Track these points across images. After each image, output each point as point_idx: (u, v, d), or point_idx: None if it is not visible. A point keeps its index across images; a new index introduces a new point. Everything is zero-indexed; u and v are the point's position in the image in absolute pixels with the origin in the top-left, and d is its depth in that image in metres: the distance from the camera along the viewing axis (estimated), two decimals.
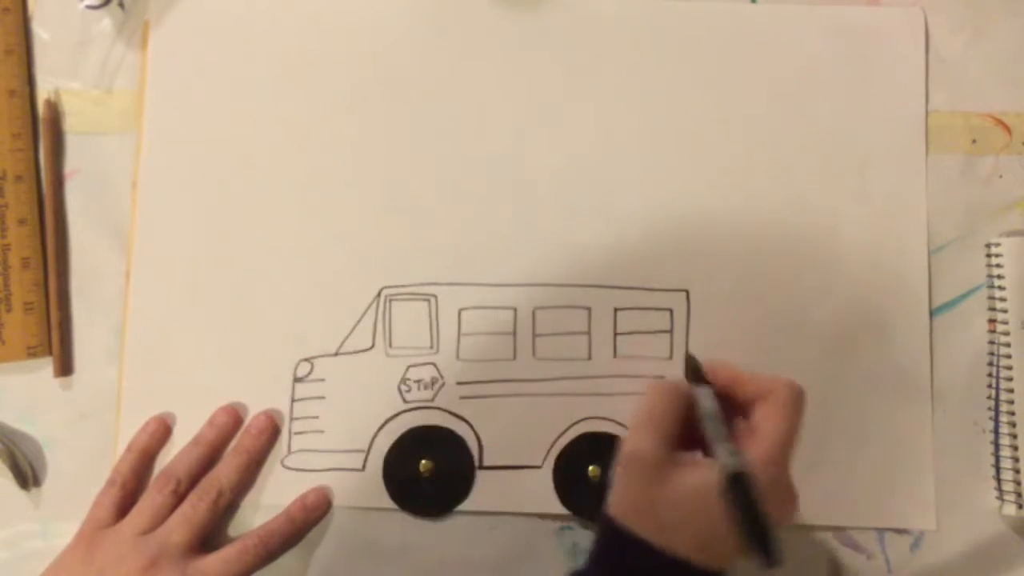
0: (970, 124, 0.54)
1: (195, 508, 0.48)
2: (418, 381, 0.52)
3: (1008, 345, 0.51)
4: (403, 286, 0.53)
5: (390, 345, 0.52)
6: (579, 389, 0.52)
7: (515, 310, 0.53)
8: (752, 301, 0.53)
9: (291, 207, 0.54)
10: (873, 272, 0.53)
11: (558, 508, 0.51)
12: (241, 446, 0.51)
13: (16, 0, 0.55)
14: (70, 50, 0.55)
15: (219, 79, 0.55)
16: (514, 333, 0.52)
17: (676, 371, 0.52)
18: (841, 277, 0.53)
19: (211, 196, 0.54)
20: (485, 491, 0.51)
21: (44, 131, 0.54)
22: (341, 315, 0.53)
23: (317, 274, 0.53)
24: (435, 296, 0.53)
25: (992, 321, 0.52)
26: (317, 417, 0.52)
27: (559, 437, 0.52)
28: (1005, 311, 0.51)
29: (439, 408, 0.52)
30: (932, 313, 0.53)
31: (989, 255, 0.53)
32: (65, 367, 0.53)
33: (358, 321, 0.53)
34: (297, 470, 0.52)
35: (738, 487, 0.37)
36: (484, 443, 0.52)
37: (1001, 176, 0.54)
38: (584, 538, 0.51)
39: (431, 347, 0.52)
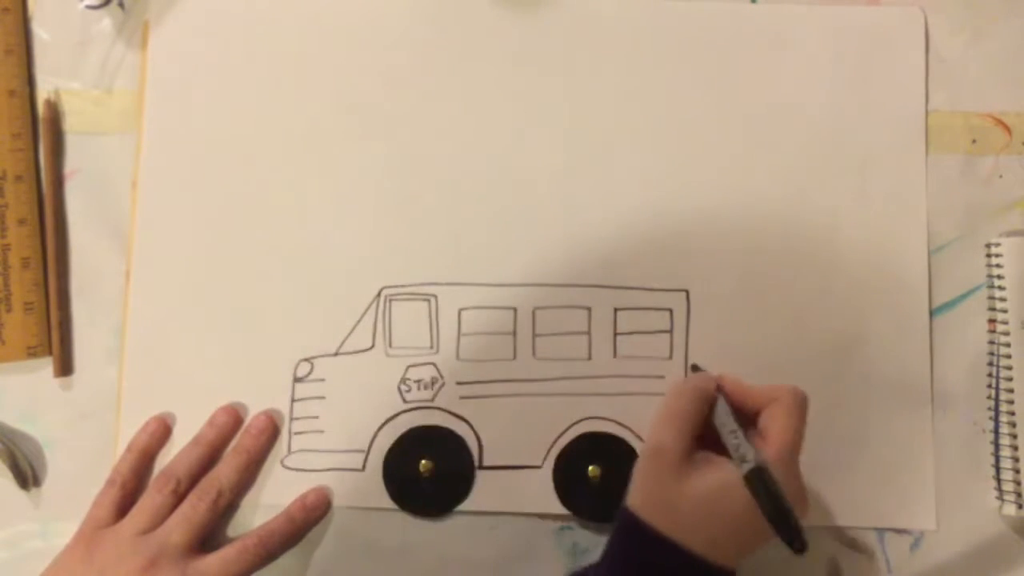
0: (970, 124, 0.54)
1: (195, 508, 0.48)
2: (418, 381, 0.52)
3: (1008, 345, 0.51)
4: (403, 286, 0.53)
5: (390, 345, 0.52)
6: (579, 389, 0.52)
7: (515, 310, 0.53)
8: (752, 301, 0.53)
9: (291, 207, 0.54)
10: (873, 272, 0.53)
11: (558, 508, 0.51)
12: (241, 446, 0.51)
13: (16, 0, 0.55)
14: (70, 50, 0.55)
15: (219, 79, 0.55)
16: (514, 333, 0.52)
17: (676, 371, 0.52)
18: (841, 277, 0.53)
19: (211, 196, 0.54)
20: (485, 491, 0.51)
21: (44, 131, 0.54)
22: (341, 315, 0.53)
23: (317, 274, 0.53)
24: (435, 296, 0.53)
25: (992, 321, 0.52)
26: (317, 417, 0.52)
27: (559, 437, 0.52)
28: (1005, 311, 0.51)
29: (439, 408, 0.52)
30: (932, 313, 0.53)
31: (989, 255, 0.53)
32: (65, 367, 0.53)
33: (358, 321, 0.53)
34: (297, 470, 0.52)
35: (761, 480, 0.40)
36: (484, 443, 0.52)
37: (1001, 176, 0.54)
38: (584, 538, 0.51)
39: (431, 347, 0.52)
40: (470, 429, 0.52)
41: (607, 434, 0.51)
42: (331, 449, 0.52)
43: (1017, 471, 0.50)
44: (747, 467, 0.40)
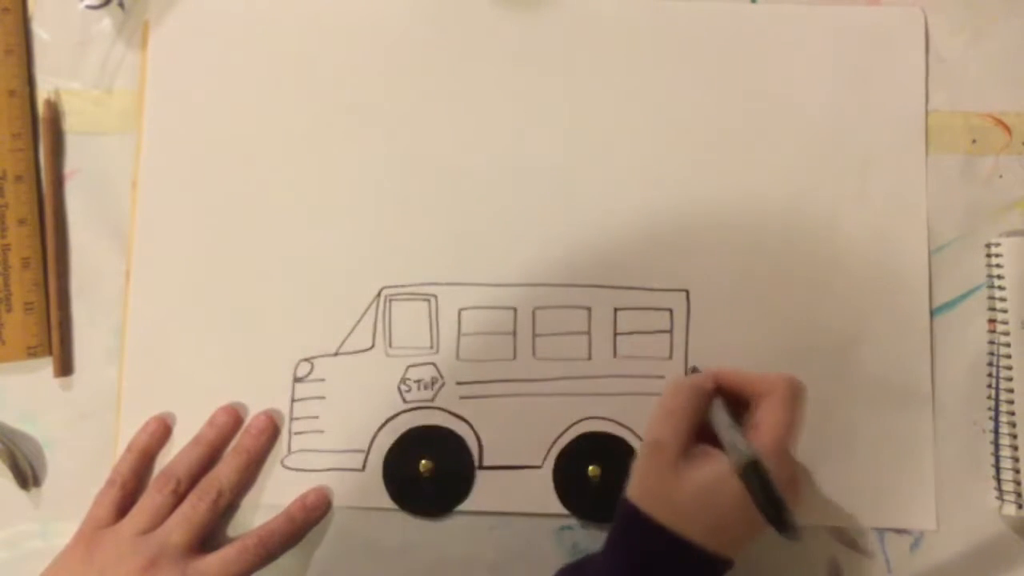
0: (970, 124, 0.54)
1: (195, 508, 0.48)
2: (418, 381, 0.52)
3: (1008, 345, 0.51)
4: (403, 286, 0.53)
5: (390, 345, 0.52)
6: (579, 389, 0.52)
7: (515, 310, 0.53)
8: (752, 301, 0.53)
9: (291, 207, 0.54)
10: (873, 272, 0.53)
11: (558, 508, 0.51)
12: (241, 446, 0.51)
13: (16, 0, 0.55)
14: (70, 50, 0.55)
15: (219, 79, 0.55)
16: (514, 333, 0.52)
17: (676, 371, 0.52)
18: (841, 277, 0.53)
19: (211, 196, 0.54)
20: (485, 491, 0.51)
21: (44, 131, 0.54)
22: (341, 315, 0.53)
23: (317, 274, 0.53)
24: (435, 296, 0.53)
25: (992, 321, 0.52)
26: (317, 417, 0.52)
27: (559, 437, 0.52)
28: (1005, 311, 0.51)
29: (439, 408, 0.52)
30: (932, 313, 0.53)
31: (989, 255, 0.53)
32: (65, 367, 0.53)
33: (358, 321, 0.53)
34: (297, 470, 0.52)
35: (754, 472, 0.41)
36: (484, 443, 0.52)
37: (1001, 176, 0.54)
38: (584, 538, 0.51)
39: (431, 347, 0.52)
40: (470, 429, 0.52)
41: (607, 434, 0.51)
42: (331, 449, 0.52)
43: (1017, 471, 0.50)
44: (740, 460, 0.41)
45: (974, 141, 0.54)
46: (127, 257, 0.53)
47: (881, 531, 0.51)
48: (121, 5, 0.55)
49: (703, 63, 0.54)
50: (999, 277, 0.52)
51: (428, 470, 0.51)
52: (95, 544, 0.48)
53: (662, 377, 0.52)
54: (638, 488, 0.44)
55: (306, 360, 0.52)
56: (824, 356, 0.52)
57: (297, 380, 0.52)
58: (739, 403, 0.46)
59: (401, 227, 0.53)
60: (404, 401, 0.52)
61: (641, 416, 0.50)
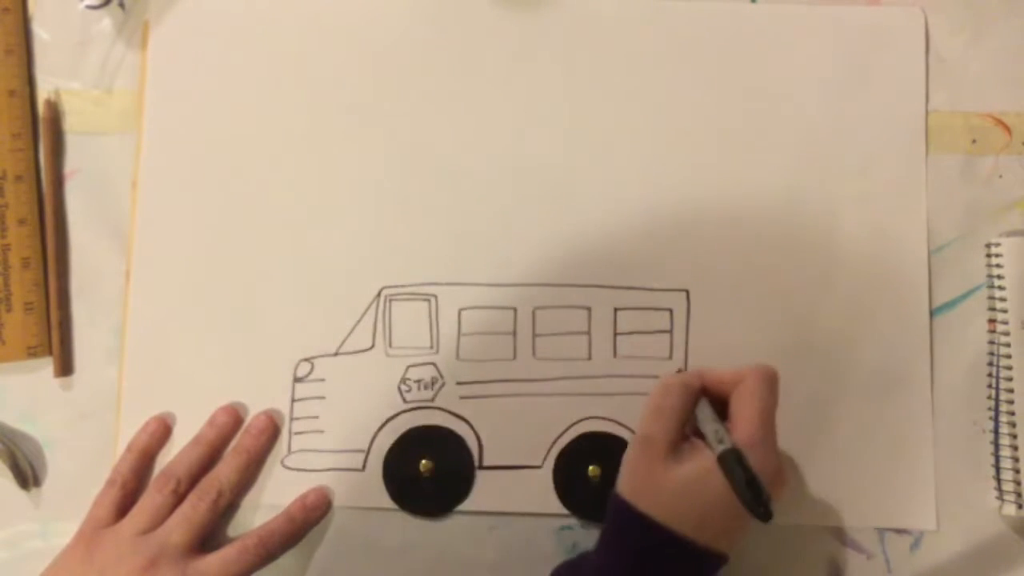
0: (970, 124, 0.54)
1: (195, 508, 0.48)
2: (418, 381, 0.52)
3: (1008, 345, 0.51)
4: (403, 286, 0.53)
5: (390, 345, 0.52)
6: (579, 389, 0.52)
7: (515, 310, 0.53)
8: (752, 301, 0.53)
9: (291, 207, 0.54)
10: (873, 272, 0.53)
11: (558, 508, 0.51)
12: (241, 446, 0.51)
13: (16, 0, 0.55)
14: (70, 50, 0.55)
15: (219, 79, 0.55)
16: (514, 333, 0.52)
17: (670, 372, 0.52)
18: (841, 277, 0.53)
19: (211, 196, 0.54)
20: (485, 491, 0.51)
21: (44, 131, 0.54)
22: (341, 315, 0.53)
23: (317, 274, 0.53)
24: (435, 296, 0.53)
25: (992, 321, 0.52)
26: (317, 417, 0.52)
27: (559, 437, 0.52)
28: (1005, 311, 0.51)
29: (439, 408, 0.52)
30: (932, 313, 0.53)
31: (989, 255, 0.53)
32: (65, 367, 0.53)
33: (358, 321, 0.53)
34: (297, 470, 0.52)
35: (732, 460, 0.42)
36: (484, 443, 0.52)
37: (1001, 176, 0.54)
38: (584, 538, 0.51)
39: (431, 347, 0.52)
40: (470, 429, 0.52)
41: (607, 434, 0.52)
42: (331, 449, 0.52)
43: (1017, 471, 0.50)
44: (719, 451, 0.43)
45: (974, 141, 0.54)
46: (127, 257, 0.53)
47: (881, 531, 0.51)
48: (121, 5, 0.55)
49: (703, 63, 0.54)
50: (999, 277, 0.52)
51: (428, 470, 0.51)
52: (95, 544, 0.48)
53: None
54: (628, 482, 0.45)
55: (306, 360, 0.52)
56: (824, 356, 0.52)
57: (297, 380, 0.52)
58: (723, 401, 0.47)
59: (401, 227, 0.53)
60: (404, 401, 0.52)
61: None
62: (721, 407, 0.46)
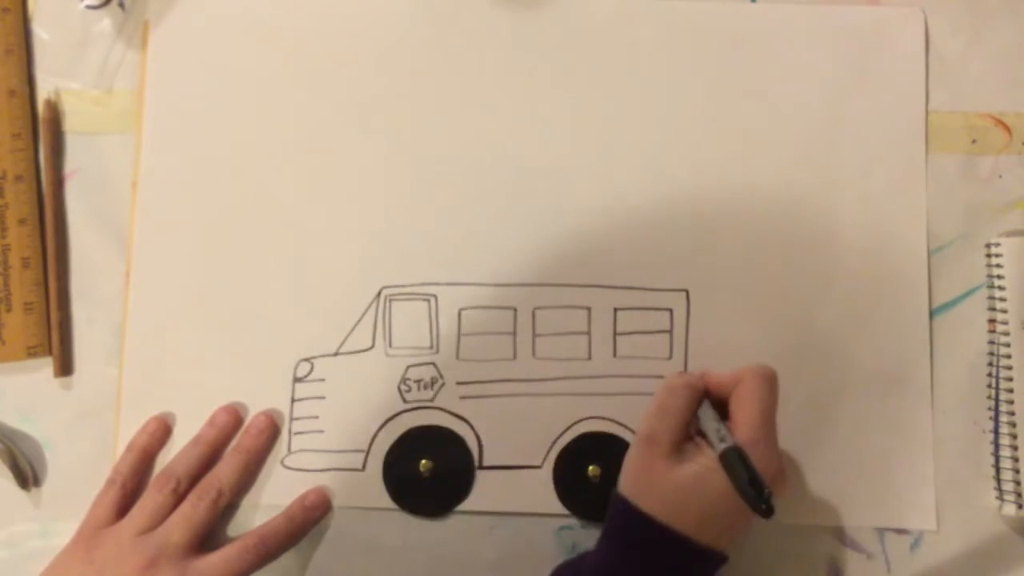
0: (970, 124, 0.54)
1: (195, 508, 0.48)
2: (418, 381, 0.52)
3: (1008, 345, 0.51)
4: (403, 286, 0.53)
5: (390, 345, 0.52)
6: (579, 389, 0.52)
7: (515, 310, 0.53)
8: (752, 301, 0.53)
9: (291, 207, 0.54)
10: (873, 272, 0.53)
11: (558, 508, 0.51)
12: (241, 446, 0.51)
13: (16, 0, 0.55)
14: (70, 50, 0.55)
15: (219, 79, 0.55)
16: (514, 333, 0.52)
17: (675, 371, 0.52)
18: (841, 277, 0.53)
19: (211, 196, 0.54)
20: (485, 491, 0.51)
21: (44, 131, 0.54)
22: (341, 315, 0.53)
23: (317, 274, 0.53)
24: (435, 296, 0.53)
25: (992, 321, 0.52)
26: (317, 417, 0.52)
27: (559, 437, 0.52)
28: (1005, 311, 0.51)
29: (439, 408, 0.52)
30: (932, 313, 0.53)
31: (989, 255, 0.53)
32: (65, 367, 0.53)
33: (358, 321, 0.53)
34: (297, 470, 0.52)
35: (734, 458, 0.42)
36: (484, 443, 0.52)
37: (1001, 176, 0.54)
38: (584, 538, 0.51)
39: (431, 347, 0.52)
40: (470, 429, 0.52)
41: (607, 434, 0.52)
42: (331, 449, 0.52)
43: (1017, 471, 0.50)
44: (721, 449, 0.43)
45: (974, 141, 0.54)
46: (127, 257, 0.53)
47: (881, 531, 0.51)
48: (121, 5, 0.55)
49: (703, 63, 0.54)
50: (999, 277, 0.52)
51: (428, 470, 0.51)
52: (95, 544, 0.48)
53: (662, 377, 0.52)
54: (630, 481, 0.45)
55: (306, 360, 0.52)
56: (824, 356, 0.52)
57: (297, 380, 0.52)
58: (724, 404, 0.47)
59: (401, 227, 0.53)
60: (404, 401, 0.52)
61: (640, 417, 0.50)
62: (723, 410, 0.47)
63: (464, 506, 0.51)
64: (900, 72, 0.54)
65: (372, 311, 0.53)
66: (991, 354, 0.52)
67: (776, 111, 0.54)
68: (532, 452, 0.51)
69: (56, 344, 0.52)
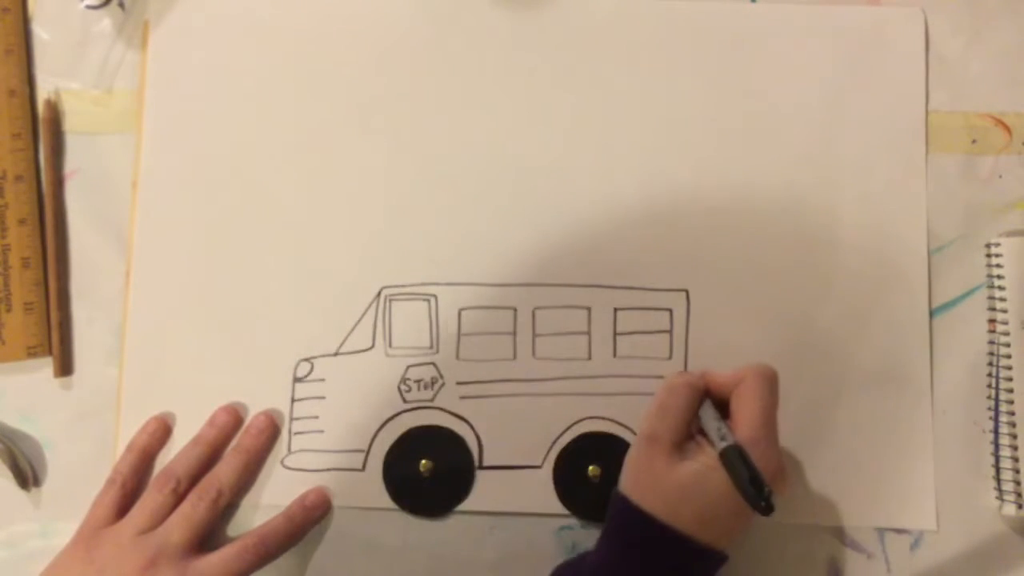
0: (970, 124, 0.54)
1: (195, 508, 0.48)
2: (418, 381, 0.52)
3: (1008, 345, 0.51)
4: (403, 286, 0.53)
5: (390, 345, 0.52)
6: (579, 389, 0.52)
7: (515, 310, 0.53)
8: (752, 301, 0.53)
9: (291, 207, 0.54)
10: (873, 272, 0.53)
11: (558, 508, 0.51)
12: (241, 446, 0.51)
13: (16, 0, 0.55)
14: (70, 50, 0.55)
15: (219, 79, 0.55)
16: (514, 333, 0.52)
17: (675, 371, 0.52)
18: (841, 277, 0.53)
19: (211, 196, 0.54)
20: (485, 491, 0.51)
21: (44, 131, 0.54)
22: (341, 315, 0.53)
23: (317, 274, 0.53)
24: (435, 296, 0.53)
25: (992, 321, 0.52)
26: (317, 417, 0.52)
27: (559, 437, 0.52)
28: (1005, 311, 0.51)
29: (439, 408, 0.52)
30: (932, 313, 0.53)
31: (989, 255, 0.53)
32: (65, 367, 0.53)
33: (358, 321, 0.53)
34: (297, 470, 0.52)
35: (734, 456, 0.43)
36: (484, 443, 0.52)
37: (1001, 176, 0.54)
38: (584, 538, 0.51)
39: (431, 347, 0.52)
40: (470, 429, 0.52)
41: (607, 434, 0.52)
42: (331, 449, 0.52)
43: (1017, 471, 0.50)
44: (721, 447, 0.43)
45: (974, 141, 0.54)
46: (127, 257, 0.53)
47: (881, 531, 0.51)
48: (121, 5, 0.55)
49: (703, 62, 0.54)
50: (999, 277, 0.52)
51: (428, 470, 0.51)
52: (95, 544, 0.48)
53: (662, 377, 0.52)
54: (631, 480, 0.45)
55: (306, 360, 0.52)
56: (824, 356, 0.52)
57: (297, 380, 0.52)
58: (725, 404, 0.47)
59: (401, 227, 0.53)
60: (404, 401, 0.52)
61: (640, 416, 0.50)
62: (723, 409, 0.47)
63: (464, 506, 0.51)
64: (900, 72, 0.54)
65: (372, 311, 0.53)
66: (991, 354, 0.52)
67: (776, 111, 0.54)
68: (532, 452, 0.51)
69: (56, 344, 0.52)
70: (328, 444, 0.52)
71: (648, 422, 0.46)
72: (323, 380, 0.52)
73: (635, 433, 0.51)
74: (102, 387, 0.52)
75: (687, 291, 0.53)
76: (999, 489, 0.51)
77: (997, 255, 0.52)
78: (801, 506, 0.51)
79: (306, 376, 0.52)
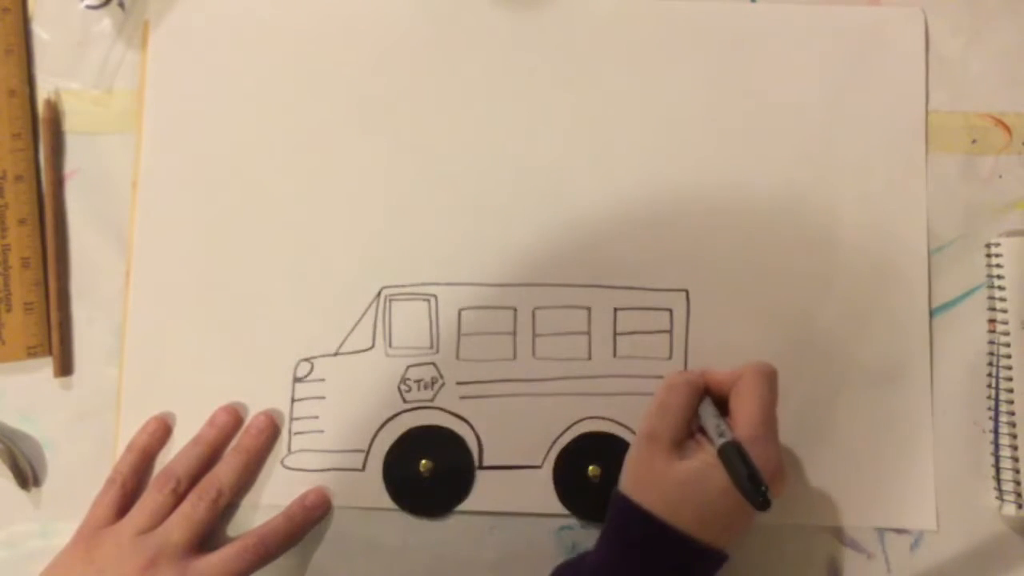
0: (970, 124, 0.54)
1: (195, 507, 0.48)
2: (418, 381, 0.52)
3: (1008, 345, 0.51)
4: (403, 286, 0.53)
5: (390, 345, 0.52)
6: (579, 389, 0.52)
7: (515, 310, 0.53)
8: (752, 301, 0.53)
9: (291, 207, 0.54)
10: (873, 272, 0.53)
11: (558, 508, 0.51)
12: (241, 446, 0.51)
13: (16, 0, 0.55)
14: (70, 50, 0.55)
15: (219, 79, 0.55)
16: (514, 333, 0.52)
17: (675, 371, 0.52)
18: (841, 277, 0.53)
19: (211, 196, 0.54)
20: (485, 491, 0.51)
21: (44, 131, 0.54)
22: (341, 315, 0.53)
23: (317, 274, 0.53)
24: (435, 296, 0.53)
25: (992, 321, 0.52)
26: (317, 417, 0.52)
27: (559, 437, 0.52)
28: (1005, 311, 0.51)
29: (439, 408, 0.52)
30: (932, 313, 0.53)
31: (989, 255, 0.53)
32: (65, 367, 0.53)
33: (358, 321, 0.53)
34: (297, 470, 0.52)
35: (732, 452, 0.43)
36: (484, 443, 0.52)
37: (1001, 176, 0.54)
38: (584, 538, 0.51)
39: (431, 347, 0.52)
40: (470, 429, 0.52)
41: (607, 434, 0.52)
42: (331, 449, 0.52)
43: (1017, 471, 0.50)
44: (719, 443, 0.43)
45: (974, 141, 0.54)
46: (127, 257, 0.53)
47: (881, 531, 0.51)
48: (121, 5, 0.55)
49: (703, 62, 0.54)
50: (999, 277, 0.52)
51: (428, 470, 0.51)
52: (95, 543, 0.48)
53: (662, 377, 0.51)
54: (631, 479, 0.45)
55: (306, 360, 0.52)
56: (824, 356, 0.52)
57: (297, 380, 0.52)
58: (725, 402, 0.47)
59: (401, 227, 0.53)
60: (404, 401, 0.52)
61: (641, 416, 0.50)
62: (723, 407, 0.47)
63: (464, 506, 0.51)
64: (900, 72, 0.54)
65: (372, 311, 0.53)
66: (991, 354, 0.52)
67: (776, 111, 0.54)
68: (532, 452, 0.51)
69: (56, 344, 0.52)
70: (328, 444, 0.52)
71: (648, 421, 0.46)
72: (323, 380, 0.52)
73: (635, 433, 0.51)
74: (102, 387, 0.52)
75: (687, 291, 0.53)
76: (999, 489, 0.51)
77: (997, 255, 0.52)
78: (801, 506, 0.51)
79: (306, 376, 0.52)
